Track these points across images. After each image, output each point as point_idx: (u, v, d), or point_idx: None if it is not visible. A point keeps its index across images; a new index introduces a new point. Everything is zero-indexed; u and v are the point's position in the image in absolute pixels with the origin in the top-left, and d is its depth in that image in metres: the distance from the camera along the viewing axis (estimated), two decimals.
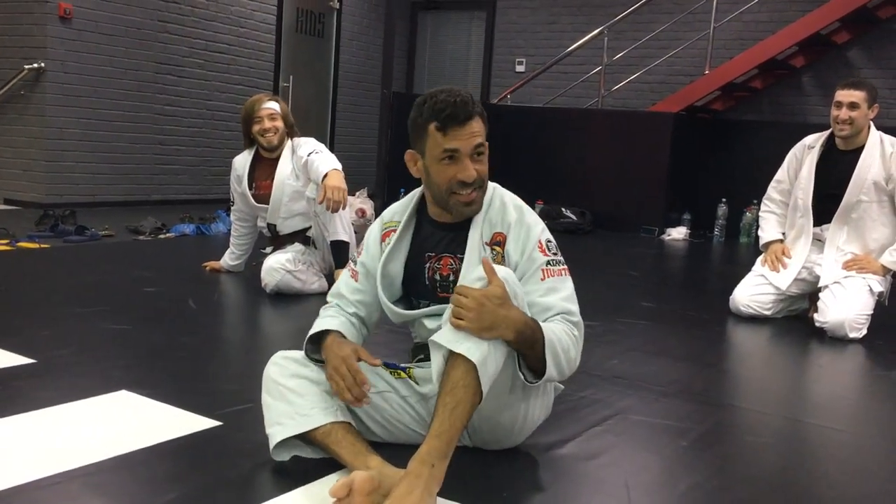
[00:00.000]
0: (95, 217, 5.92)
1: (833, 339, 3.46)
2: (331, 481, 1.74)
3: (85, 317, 3.16)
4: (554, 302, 1.87)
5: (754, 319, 3.79)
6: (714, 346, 3.47)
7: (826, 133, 3.85)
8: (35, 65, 6.40)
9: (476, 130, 1.90)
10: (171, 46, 7.34)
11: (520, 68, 9.55)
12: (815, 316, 3.60)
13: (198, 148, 7.74)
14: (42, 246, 4.79)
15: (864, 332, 3.50)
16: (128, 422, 2.08)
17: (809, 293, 3.85)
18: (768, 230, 4.02)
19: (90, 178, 6.85)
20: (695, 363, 3.08)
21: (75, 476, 1.72)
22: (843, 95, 3.67)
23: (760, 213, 4.10)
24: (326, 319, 1.99)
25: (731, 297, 3.90)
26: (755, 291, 3.84)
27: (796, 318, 3.89)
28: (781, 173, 3.99)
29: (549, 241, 1.95)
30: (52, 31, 6.44)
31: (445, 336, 1.67)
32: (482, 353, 1.65)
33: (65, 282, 3.88)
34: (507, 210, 1.97)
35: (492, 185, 2.02)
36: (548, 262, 1.91)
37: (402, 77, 10.12)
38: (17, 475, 1.70)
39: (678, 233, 7.23)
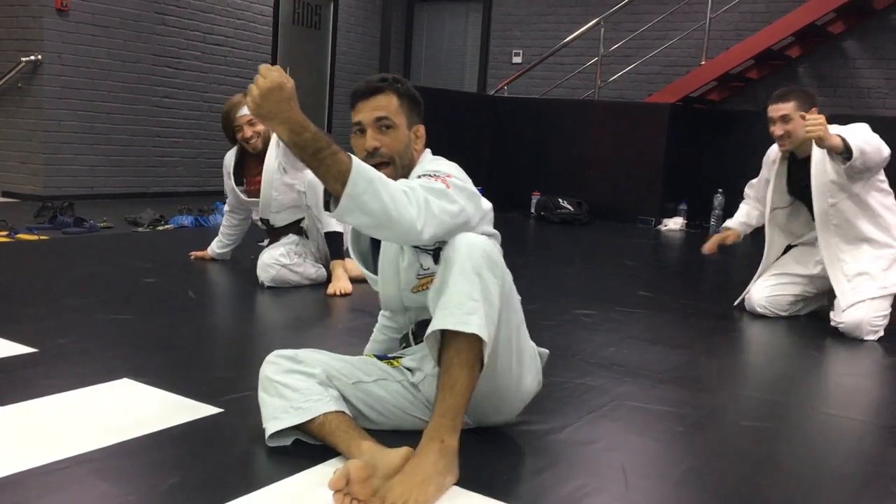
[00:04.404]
0: (94, 209, 5.93)
1: (830, 329, 3.44)
2: (332, 465, 1.77)
3: (85, 307, 3.18)
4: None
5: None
6: (710, 334, 3.49)
7: None
8: (32, 57, 6.41)
9: (381, 104, 1.92)
10: (168, 38, 7.34)
11: (516, 59, 9.56)
12: (831, 314, 3.48)
13: (195, 140, 7.75)
14: (41, 238, 4.81)
15: (881, 333, 3.40)
16: (130, 409, 2.10)
17: (828, 291, 3.63)
18: (735, 216, 4.14)
19: (88, 170, 6.86)
20: (691, 351, 3.10)
21: (82, 461, 1.75)
22: (773, 110, 3.52)
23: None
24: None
25: (747, 297, 3.78)
26: (772, 293, 3.71)
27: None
28: (758, 179, 3.97)
29: (439, 172, 1.82)
30: (49, 23, 6.44)
31: (447, 320, 1.68)
32: (489, 331, 1.68)
33: (64, 273, 3.90)
34: (422, 167, 1.94)
35: (427, 157, 2.02)
36: (423, 175, 1.81)
37: (398, 68, 10.12)
38: (25, 460, 1.72)
39: (674, 223, 7.26)
